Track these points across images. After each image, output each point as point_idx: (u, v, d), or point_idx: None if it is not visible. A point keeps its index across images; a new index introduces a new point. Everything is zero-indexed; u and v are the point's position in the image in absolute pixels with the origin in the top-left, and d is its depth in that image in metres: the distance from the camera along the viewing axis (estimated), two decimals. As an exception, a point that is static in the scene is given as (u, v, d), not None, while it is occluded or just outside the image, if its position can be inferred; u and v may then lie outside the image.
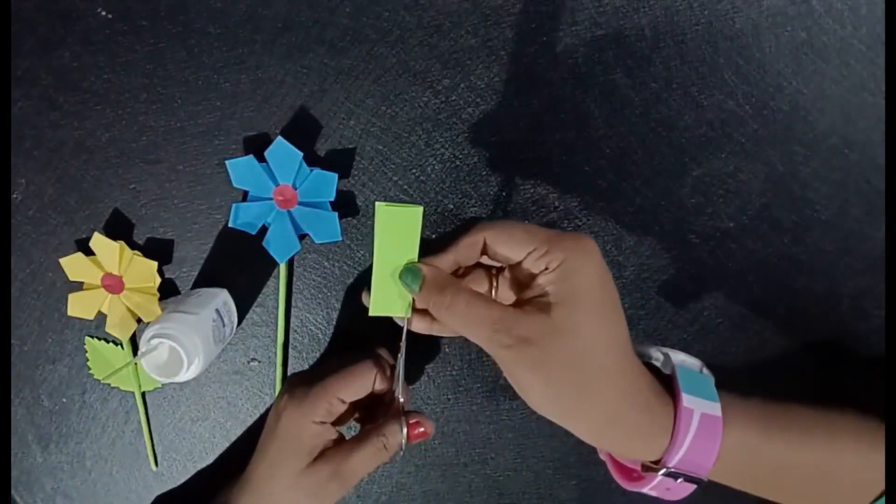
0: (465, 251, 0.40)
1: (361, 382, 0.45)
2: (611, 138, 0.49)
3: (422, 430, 0.44)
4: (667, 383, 0.40)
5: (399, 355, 0.43)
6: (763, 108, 0.48)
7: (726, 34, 0.47)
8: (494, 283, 0.42)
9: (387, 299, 0.41)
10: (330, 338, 0.55)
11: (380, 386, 0.46)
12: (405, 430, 0.44)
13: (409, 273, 0.39)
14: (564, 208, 0.51)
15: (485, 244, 0.39)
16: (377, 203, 0.39)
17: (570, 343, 0.36)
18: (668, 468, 0.38)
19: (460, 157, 0.51)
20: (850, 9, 0.46)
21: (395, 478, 0.58)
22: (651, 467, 0.39)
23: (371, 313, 0.41)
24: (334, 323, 0.54)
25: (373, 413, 0.48)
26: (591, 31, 0.48)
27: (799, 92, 0.48)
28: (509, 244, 0.38)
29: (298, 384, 0.46)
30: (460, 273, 0.43)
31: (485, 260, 0.41)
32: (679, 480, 0.38)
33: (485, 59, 0.49)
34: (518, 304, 0.39)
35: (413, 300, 0.41)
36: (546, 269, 0.37)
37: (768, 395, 0.51)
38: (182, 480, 0.59)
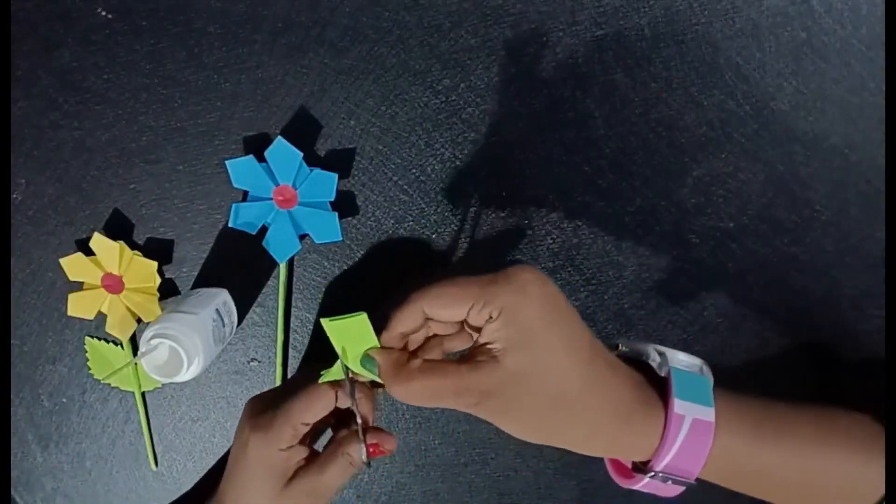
0: (407, 323, 0.39)
1: (322, 403, 0.44)
2: (611, 138, 0.49)
3: (380, 448, 0.44)
4: (663, 384, 0.40)
5: (350, 389, 0.43)
6: (763, 108, 0.48)
7: (726, 34, 0.47)
8: None
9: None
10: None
11: (342, 402, 0.45)
12: (364, 450, 0.43)
13: (367, 361, 0.40)
14: (564, 208, 0.51)
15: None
16: (322, 320, 0.39)
17: (529, 386, 0.36)
18: (655, 472, 0.38)
19: (460, 157, 0.51)
20: (850, 9, 0.46)
21: (395, 478, 0.58)
22: (641, 468, 0.39)
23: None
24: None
25: (346, 419, 0.47)
26: (591, 31, 0.48)
27: (799, 92, 0.48)
28: (447, 308, 0.38)
29: (261, 411, 0.45)
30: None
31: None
32: (668, 483, 0.39)
33: (485, 59, 0.49)
34: (473, 353, 0.39)
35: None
36: (490, 318, 0.37)
37: (767, 395, 0.51)
38: (182, 480, 0.59)
